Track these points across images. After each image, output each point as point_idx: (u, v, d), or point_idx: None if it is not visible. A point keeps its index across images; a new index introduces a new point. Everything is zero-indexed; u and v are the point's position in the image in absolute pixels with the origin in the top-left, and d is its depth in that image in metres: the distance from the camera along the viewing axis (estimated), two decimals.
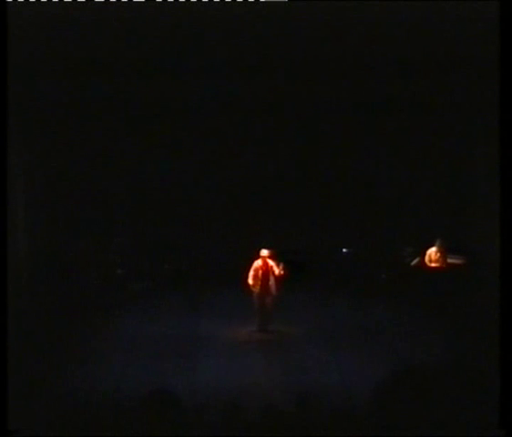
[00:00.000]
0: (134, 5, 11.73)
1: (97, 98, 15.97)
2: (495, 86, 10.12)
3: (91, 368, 12.87)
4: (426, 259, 16.54)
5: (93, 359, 13.37)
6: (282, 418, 9.08)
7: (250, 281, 15.12)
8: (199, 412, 9.26)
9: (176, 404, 9.34)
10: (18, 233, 15.07)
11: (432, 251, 16.45)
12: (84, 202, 17.48)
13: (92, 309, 15.86)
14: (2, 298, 9.49)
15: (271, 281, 15.09)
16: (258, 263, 15.15)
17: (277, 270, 15.12)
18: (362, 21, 12.60)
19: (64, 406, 9.38)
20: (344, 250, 18.91)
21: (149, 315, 15.99)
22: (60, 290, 16.04)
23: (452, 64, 14.30)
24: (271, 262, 15.14)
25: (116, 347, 14.07)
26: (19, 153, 14.73)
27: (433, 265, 16.45)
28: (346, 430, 8.93)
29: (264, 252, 15.15)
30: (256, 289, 15.11)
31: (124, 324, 15.49)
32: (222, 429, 8.93)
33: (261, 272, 15.11)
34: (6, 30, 9.69)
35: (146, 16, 12.16)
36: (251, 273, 15.12)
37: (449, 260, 16.48)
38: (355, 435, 8.93)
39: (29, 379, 11.40)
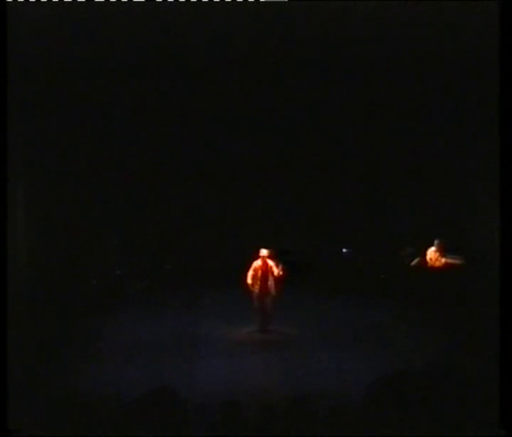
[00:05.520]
0: (134, 4, 11.75)
1: (96, 98, 15.99)
2: (495, 86, 10.13)
3: (91, 368, 12.86)
4: (426, 258, 16.54)
5: (93, 358, 13.36)
6: (282, 418, 9.09)
7: (250, 281, 15.11)
8: (199, 412, 9.26)
9: (175, 404, 9.35)
10: (18, 233, 15.07)
11: (431, 251, 16.46)
12: (83, 202, 17.46)
13: (92, 310, 15.86)
14: (2, 297, 9.49)
15: (271, 281, 15.08)
16: (257, 263, 15.14)
17: (276, 270, 15.10)
18: (361, 21, 12.62)
19: (64, 406, 9.38)
20: (344, 250, 18.90)
21: (149, 315, 15.98)
22: (60, 290, 16.03)
23: (452, 63, 14.32)
24: (270, 262, 15.13)
25: (116, 347, 14.07)
26: (19, 153, 14.72)
27: (432, 265, 16.45)
28: (346, 430, 8.93)
29: (264, 252, 15.14)
30: (255, 289, 15.10)
31: (124, 324, 15.48)
32: (222, 428, 8.93)
33: (260, 272, 15.10)
34: (6, 30, 9.70)
35: (146, 16, 12.18)
36: (251, 273, 15.12)
37: (449, 260, 16.47)
38: (355, 435, 8.93)
39: (29, 379, 11.40)
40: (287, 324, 15.23)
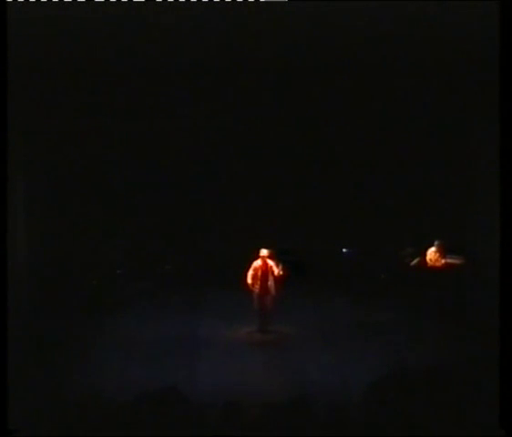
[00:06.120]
0: (134, 4, 11.75)
1: (97, 98, 15.98)
2: (495, 87, 10.13)
3: (91, 368, 12.86)
4: (426, 259, 16.55)
5: (93, 359, 13.37)
6: (282, 418, 9.09)
7: (250, 281, 15.10)
8: (199, 412, 9.27)
9: (176, 404, 9.36)
10: (18, 233, 15.07)
11: (431, 251, 16.47)
12: (84, 202, 17.45)
13: (92, 310, 15.85)
14: (2, 297, 9.49)
15: (271, 281, 15.07)
16: (257, 263, 15.13)
17: (276, 270, 15.10)
18: (361, 21, 12.62)
19: (64, 406, 9.39)
20: (344, 250, 18.90)
21: (149, 315, 15.98)
22: (60, 290, 16.03)
23: (452, 63, 14.32)
24: (270, 262, 15.12)
25: (116, 347, 14.06)
26: (19, 153, 14.72)
27: (432, 265, 16.46)
28: (346, 430, 8.94)
29: (264, 252, 15.14)
30: (255, 289, 15.09)
31: (124, 324, 15.47)
32: (222, 428, 8.94)
33: (260, 272, 15.10)
34: (6, 30, 9.71)
35: (146, 16, 12.18)
36: (251, 273, 15.11)
37: (449, 260, 16.48)
38: (354, 435, 8.94)
39: (29, 379, 11.40)
40: (287, 324, 15.23)
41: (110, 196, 17.75)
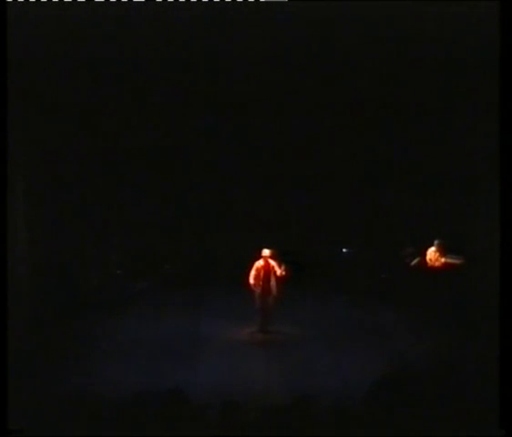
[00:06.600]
0: (134, 4, 11.75)
1: (97, 98, 15.97)
2: (495, 86, 10.14)
3: (91, 368, 12.87)
4: (426, 258, 16.55)
5: (93, 359, 13.37)
6: (282, 418, 9.09)
7: (252, 281, 15.10)
8: (199, 412, 9.27)
9: (176, 404, 9.36)
10: (18, 233, 15.06)
11: (431, 251, 16.47)
12: (84, 202, 17.45)
13: (92, 309, 15.86)
14: (2, 297, 9.49)
15: (273, 281, 15.07)
16: (259, 263, 15.13)
17: (278, 271, 15.09)
18: (361, 21, 12.61)
19: (64, 406, 9.39)
20: (344, 250, 18.90)
21: (150, 315, 15.98)
22: (60, 290, 16.02)
23: (452, 64, 14.31)
24: (272, 262, 15.12)
25: (116, 347, 14.06)
26: (19, 153, 14.72)
27: (432, 265, 16.47)
28: (346, 430, 8.94)
29: (266, 252, 15.14)
30: (257, 289, 15.09)
31: (124, 324, 15.48)
32: (222, 429, 8.94)
33: (262, 272, 15.09)
34: (6, 30, 9.72)
35: (146, 16, 12.18)
36: (253, 273, 15.11)
37: (449, 260, 16.48)
38: (354, 435, 8.94)
39: (30, 379, 11.40)
40: (288, 324, 15.23)
41: (110, 196, 17.74)
